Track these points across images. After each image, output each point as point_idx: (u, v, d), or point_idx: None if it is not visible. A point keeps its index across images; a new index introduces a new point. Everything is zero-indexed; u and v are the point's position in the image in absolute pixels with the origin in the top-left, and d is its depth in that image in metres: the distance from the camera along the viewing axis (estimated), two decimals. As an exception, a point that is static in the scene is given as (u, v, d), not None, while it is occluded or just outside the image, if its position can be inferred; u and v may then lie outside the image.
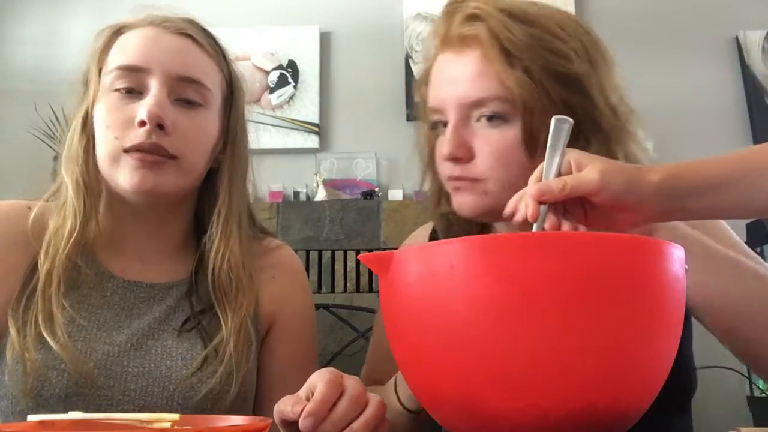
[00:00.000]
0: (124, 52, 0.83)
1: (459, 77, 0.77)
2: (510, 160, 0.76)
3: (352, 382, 0.60)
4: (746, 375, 1.99)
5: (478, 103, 0.76)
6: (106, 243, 0.85)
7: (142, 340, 0.81)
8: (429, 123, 0.84)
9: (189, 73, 0.83)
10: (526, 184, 0.64)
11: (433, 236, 0.98)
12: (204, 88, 0.85)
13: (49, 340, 0.75)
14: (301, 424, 0.56)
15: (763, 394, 1.95)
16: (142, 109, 0.79)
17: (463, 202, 0.80)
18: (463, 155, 0.77)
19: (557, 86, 0.75)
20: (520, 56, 0.74)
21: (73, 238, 0.78)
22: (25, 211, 0.84)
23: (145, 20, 0.86)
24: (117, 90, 0.81)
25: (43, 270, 0.78)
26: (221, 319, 0.83)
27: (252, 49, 2.53)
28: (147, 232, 0.87)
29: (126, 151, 0.79)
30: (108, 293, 0.83)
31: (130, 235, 0.87)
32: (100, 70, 0.84)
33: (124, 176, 0.80)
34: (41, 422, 0.50)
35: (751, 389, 1.97)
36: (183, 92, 0.83)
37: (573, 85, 0.76)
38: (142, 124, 0.79)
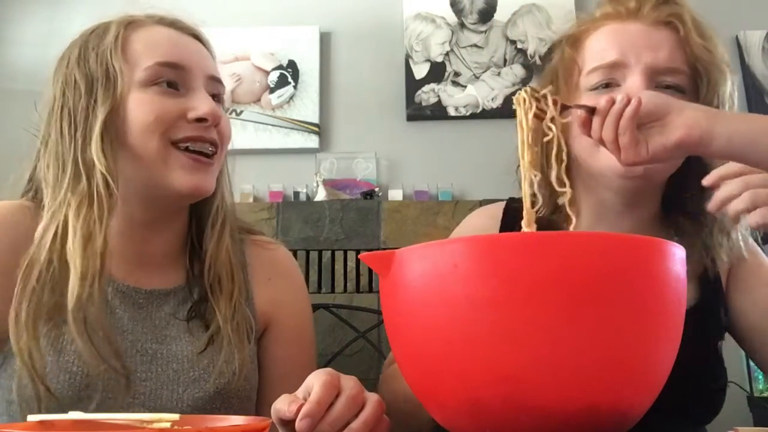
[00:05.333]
0: (159, 49, 0.82)
1: (659, 45, 0.86)
2: None
3: (349, 383, 0.60)
4: (746, 379, 1.98)
5: (670, 71, 0.85)
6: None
7: (147, 345, 0.81)
8: (582, 85, 0.90)
9: (215, 73, 0.87)
10: None
11: (505, 218, 0.99)
12: (223, 87, 0.89)
13: (52, 349, 0.74)
14: (298, 425, 0.56)
15: (763, 394, 1.95)
16: (201, 106, 0.81)
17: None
18: None
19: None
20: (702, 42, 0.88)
21: (106, 255, 0.76)
22: (26, 212, 0.83)
23: (151, 19, 0.86)
24: (156, 84, 0.81)
25: (72, 291, 0.73)
26: (215, 308, 0.83)
27: (252, 49, 2.52)
28: (151, 233, 0.86)
29: (175, 143, 0.80)
30: (108, 297, 0.81)
31: (130, 238, 0.85)
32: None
33: (178, 177, 0.80)
34: (41, 422, 0.50)
35: (752, 389, 1.97)
36: (213, 92, 0.86)
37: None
38: (201, 120, 0.81)
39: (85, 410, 0.72)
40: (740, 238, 0.92)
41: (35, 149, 0.86)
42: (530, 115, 0.72)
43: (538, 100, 0.73)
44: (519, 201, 0.98)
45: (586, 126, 0.78)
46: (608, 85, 0.87)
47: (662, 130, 0.73)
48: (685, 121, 0.72)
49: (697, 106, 0.75)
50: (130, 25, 0.84)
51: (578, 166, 0.92)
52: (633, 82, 0.85)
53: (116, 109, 0.79)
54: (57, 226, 0.77)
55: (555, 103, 0.73)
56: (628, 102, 0.73)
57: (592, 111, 0.77)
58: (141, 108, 0.79)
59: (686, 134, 0.72)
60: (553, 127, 0.72)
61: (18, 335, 0.73)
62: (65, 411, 0.72)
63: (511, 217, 0.98)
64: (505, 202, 1.02)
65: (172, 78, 0.81)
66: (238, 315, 0.84)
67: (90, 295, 0.74)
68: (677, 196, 0.93)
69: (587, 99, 0.86)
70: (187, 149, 0.81)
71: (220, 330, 0.82)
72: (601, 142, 0.77)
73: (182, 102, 0.81)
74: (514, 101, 0.74)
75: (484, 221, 1.00)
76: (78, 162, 0.78)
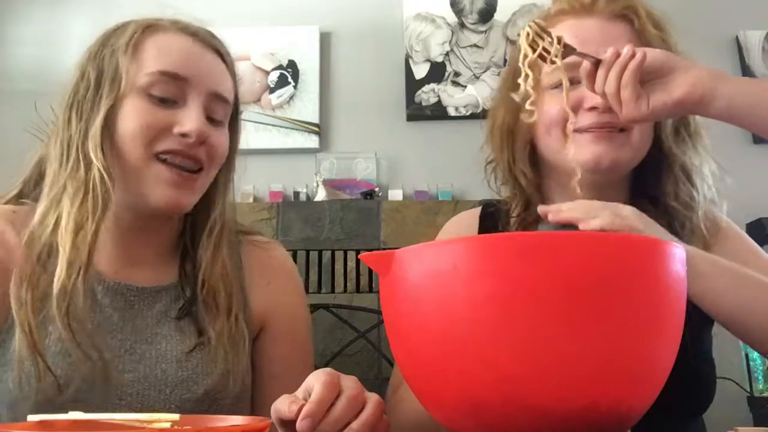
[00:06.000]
0: (167, 56, 0.82)
1: (616, 39, 0.85)
2: None
3: (349, 383, 0.60)
4: (746, 379, 1.99)
5: None
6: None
7: (136, 344, 0.80)
8: (544, 82, 0.88)
9: (222, 91, 0.85)
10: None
11: (482, 222, 0.99)
12: (228, 107, 0.87)
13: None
14: (299, 425, 0.56)
15: (763, 394, 1.95)
16: (188, 122, 0.80)
17: (601, 150, 0.84)
18: None
19: None
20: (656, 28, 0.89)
21: (93, 249, 0.76)
22: (11, 216, 0.82)
23: (174, 25, 0.86)
24: (151, 95, 0.80)
25: (59, 277, 0.74)
26: (212, 322, 0.82)
27: (252, 49, 2.52)
28: (139, 236, 0.86)
29: (158, 154, 0.79)
30: (99, 296, 0.81)
31: (119, 238, 0.85)
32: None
33: (155, 190, 0.80)
34: (41, 422, 0.50)
35: (752, 389, 1.97)
36: (214, 110, 0.84)
37: None
38: (185, 136, 0.79)
39: (72, 403, 0.72)
40: (702, 220, 0.89)
41: (43, 139, 0.87)
42: (527, 40, 0.77)
43: (541, 37, 0.75)
44: (494, 205, 0.98)
45: (591, 78, 0.79)
46: (571, 83, 0.86)
47: (665, 87, 0.74)
48: (688, 78, 0.73)
49: (704, 67, 0.75)
50: (149, 28, 0.84)
51: (548, 164, 0.92)
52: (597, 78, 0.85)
53: (115, 108, 0.80)
54: (59, 210, 0.78)
55: (559, 41, 0.76)
56: (633, 55, 0.73)
57: (596, 63, 0.77)
58: (131, 115, 0.80)
59: (689, 92, 0.72)
60: (557, 62, 0.76)
61: (19, 305, 0.74)
62: (55, 403, 0.72)
63: (488, 222, 0.98)
64: (480, 207, 1.01)
65: (170, 89, 0.81)
66: (237, 328, 0.84)
67: (74, 285, 0.74)
68: (642, 184, 0.93)
69: (551, 97, 0.86)
70: (166, 162, 0.80)
71: (212, 339, 0.82)
72: (603, 95, 0.78)
73: (172, 114, 0.80)
74: (519, 36, 0.77)
75: (461, 227, 1.00)
76: (79, 151, 0.79)
